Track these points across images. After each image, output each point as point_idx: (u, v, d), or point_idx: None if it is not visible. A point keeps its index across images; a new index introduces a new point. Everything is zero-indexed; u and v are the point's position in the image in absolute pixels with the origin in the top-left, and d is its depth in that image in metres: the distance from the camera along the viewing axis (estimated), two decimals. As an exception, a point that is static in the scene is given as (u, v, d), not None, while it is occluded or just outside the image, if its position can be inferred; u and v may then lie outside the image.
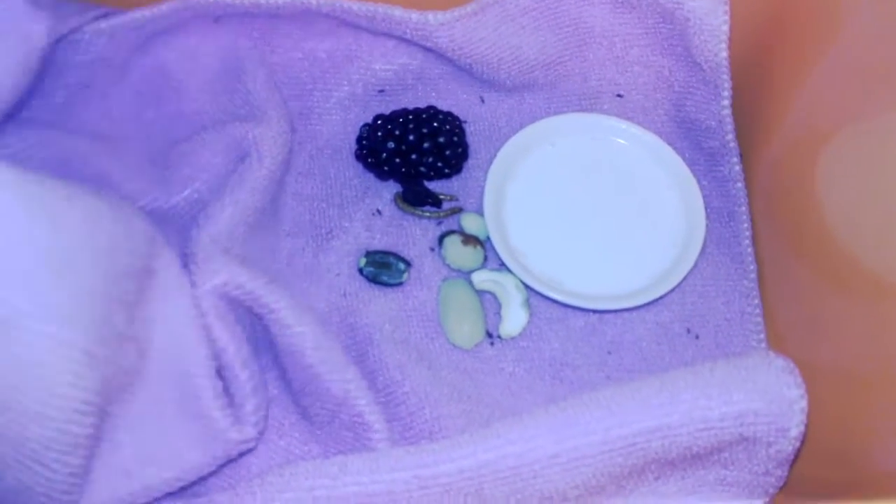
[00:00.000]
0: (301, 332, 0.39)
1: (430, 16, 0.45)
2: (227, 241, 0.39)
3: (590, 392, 0.35)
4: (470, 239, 0.44)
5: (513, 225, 0.45)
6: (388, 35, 0.47)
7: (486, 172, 0.47)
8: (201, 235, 0.39)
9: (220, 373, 0.37)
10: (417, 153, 0.45)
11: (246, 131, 0.42)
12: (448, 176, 0.47)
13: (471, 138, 0.48)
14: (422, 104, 0.48)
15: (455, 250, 0.44)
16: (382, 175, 0.46)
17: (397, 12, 0.45)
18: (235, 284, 0.38)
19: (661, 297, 0.43)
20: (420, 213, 0.46)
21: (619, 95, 0.48)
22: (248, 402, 0.37)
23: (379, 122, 0.46)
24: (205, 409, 0.36)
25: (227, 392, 0.38)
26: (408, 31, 0.46)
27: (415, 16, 0.46)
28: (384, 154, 0.45)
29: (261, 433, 0.38)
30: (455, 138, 0.45)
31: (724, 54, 0.44)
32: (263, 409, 0.38)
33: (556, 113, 0.49)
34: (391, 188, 0.47)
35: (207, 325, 0.37)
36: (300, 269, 0.44)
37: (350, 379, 0.39)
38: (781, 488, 0.36)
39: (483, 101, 0.49)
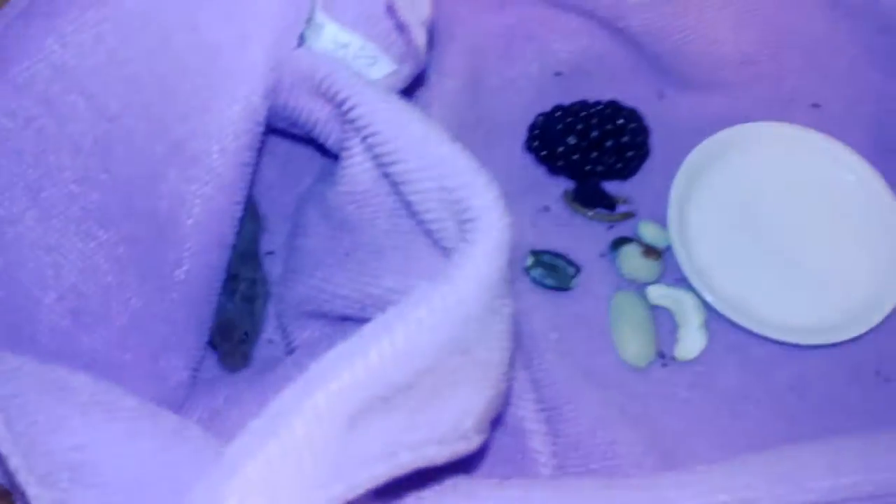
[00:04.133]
0: None
1: None
2: None
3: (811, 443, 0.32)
4: (651, 251, 0.41)
5: (697, 240, 0.41)
6: (576, 10, 0.43)
7: (661, 176, 0.43)
8: None
9: None
10: (598, 151, 0.41)
11: None
12: (624, 177, 0.43)
13: (646, 138, 0.44)
14: (596, 92, 0.45)
15: (633, 261, 0.40)
16: (554, 170, 0.43)
17: None
18: None
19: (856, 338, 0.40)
20: (591, 214, 0.42)
21: (814, 105, 0.44)
22: None
23: (558, 113, 0.42)
24: None
25: None
26: (601, 6, 0.42)
27: None
28: (561, 148, 0.42)
29: None
30: (639, 139, 0.42)
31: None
32: None
33: (742, 117, 0.45)
34: (559, 184, 0.44)
35: None
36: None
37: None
38: None
39: (661, 96, 0.45)
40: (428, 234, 0.31)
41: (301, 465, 0.23)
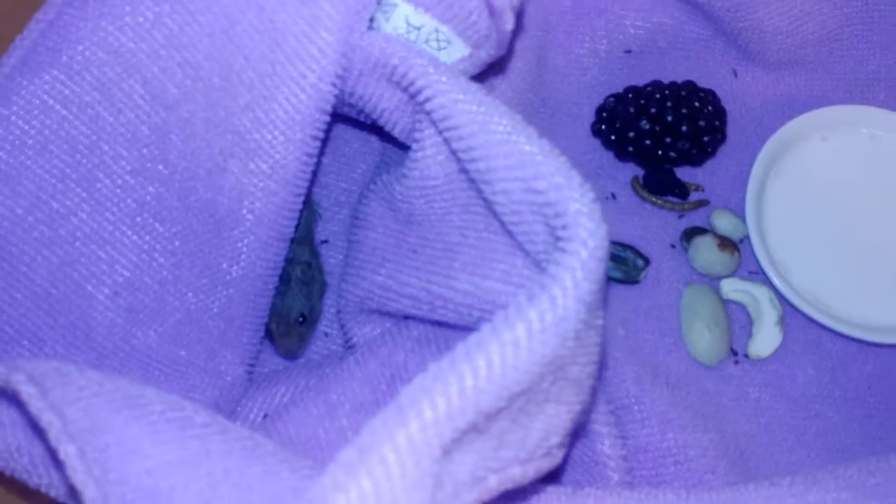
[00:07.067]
0: None
1: None
2: None
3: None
4: (727, 243, 0.39)
5: (774, 231, 0.39)
6: None
7: (735, 161, 0.41)
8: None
9: None
10: (673, 136, 0.39)
11: None
12: (697, 163, 0.41)
13: (717, 120, 0.42)
14: (669, 72, 0.42)
15: (707, 253, 0.38)
16: (624, 155, 0.41)
17: None
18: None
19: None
20: (661, 202, 0.40)
21: (900, 87, 0.42)
22: None
23: (630, 95, 0.40)
24: None
25: None
26: None
27: None
28: (632, 133, 0.39)
29: None
30: (717, 122, 0.39)
31: None
32: None
33: (819, 98, 0.42)
34: (627, 170, 0.41)
35: None
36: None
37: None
38: None
39: (736, 75, 0.43)
40: (509, 234, 0.29)
41: (395, 500, 0.21)
